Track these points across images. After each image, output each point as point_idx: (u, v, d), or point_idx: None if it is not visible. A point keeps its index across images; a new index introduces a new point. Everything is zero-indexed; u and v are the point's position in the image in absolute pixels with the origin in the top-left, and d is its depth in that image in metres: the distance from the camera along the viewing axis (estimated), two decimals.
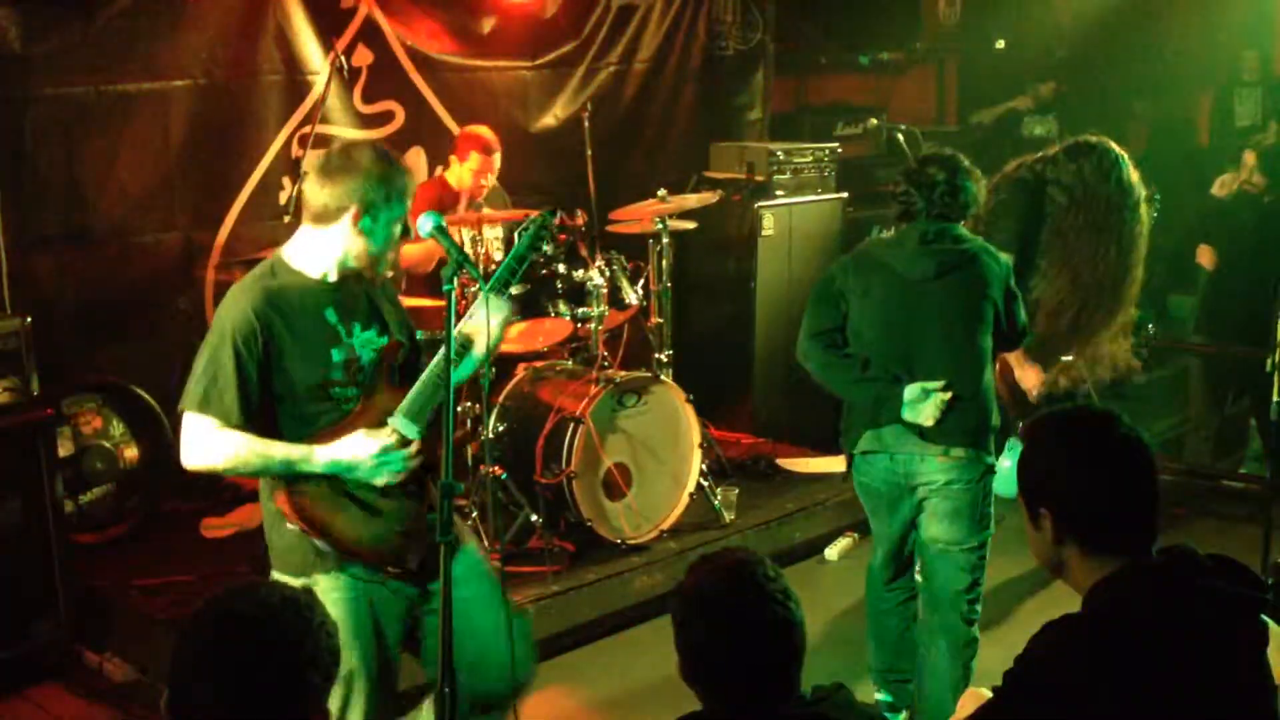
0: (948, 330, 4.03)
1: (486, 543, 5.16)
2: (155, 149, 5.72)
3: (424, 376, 3.24)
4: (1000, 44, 9.04)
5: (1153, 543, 2.19)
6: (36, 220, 5.31)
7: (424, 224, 3.09)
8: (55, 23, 5.21)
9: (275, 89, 6.00)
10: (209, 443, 3.10)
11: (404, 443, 3.19)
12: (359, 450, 3.15)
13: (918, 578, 4.33)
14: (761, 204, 6.88)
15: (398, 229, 3.28)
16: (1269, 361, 5.20)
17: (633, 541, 5.41)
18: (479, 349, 3.35)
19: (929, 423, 3.95)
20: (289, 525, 3.16)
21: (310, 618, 2.02)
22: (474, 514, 5.18)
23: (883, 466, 4.12)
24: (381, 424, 3.20)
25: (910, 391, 3.95)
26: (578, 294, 5.49)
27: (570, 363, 5.84)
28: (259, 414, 3.14)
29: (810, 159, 7.12)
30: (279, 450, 3.13)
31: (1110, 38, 9.09)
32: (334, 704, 3.12)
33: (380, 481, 3.18)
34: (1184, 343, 6.74)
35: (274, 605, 2.02)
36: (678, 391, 5.54)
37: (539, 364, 5.77)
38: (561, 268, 5.48)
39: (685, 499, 5.57)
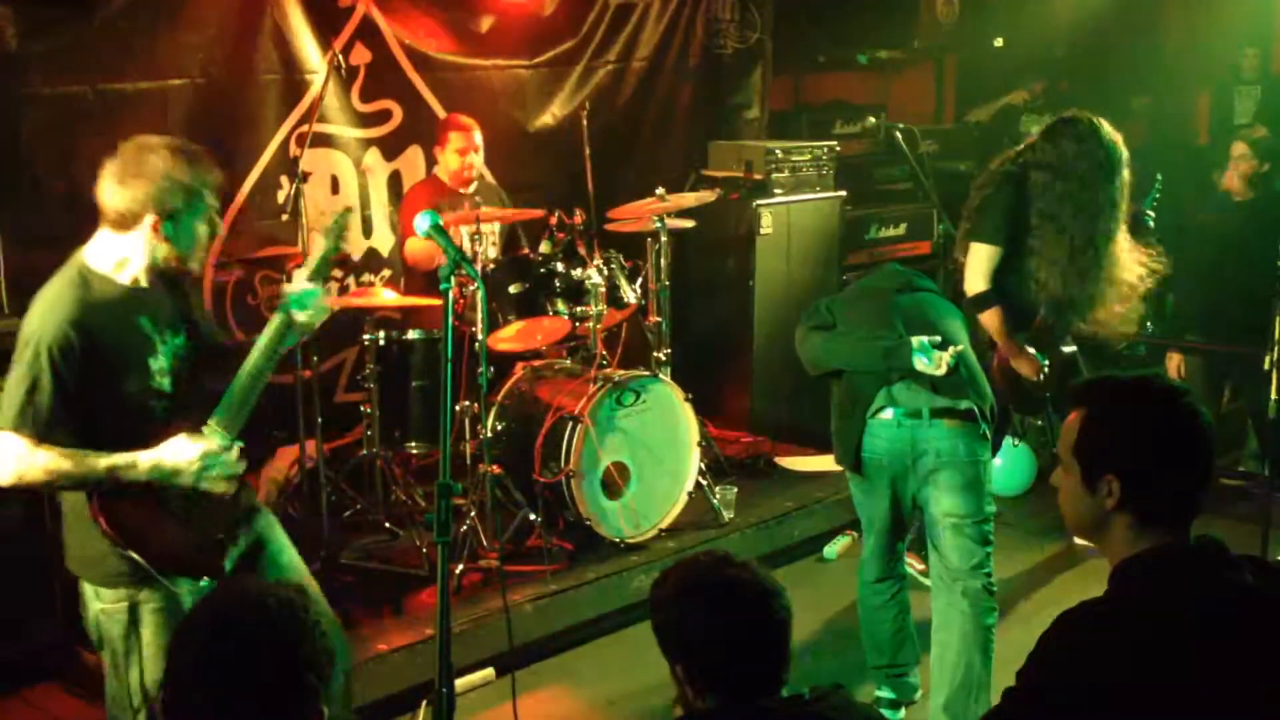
0: (934, 318, 4.24)
1: (486, 541, 5.17)
2: None
3: (236, 379, 3.22)
4: (999, 42, 9.02)
5: (1193, 521, 2.18)
6: (34, 220, 5.29)
7: (421, 223, 3.08)
8: (52, 21, 5.19)
9: (273, 88, 5.98)
10: (27, 460, 2.98)
11: (225, 446, 3.16)
12: (182, 455, 3.09)
13: (912, 569, 4.34)
14: (760, 202, 6.88)
15: (204, 227, 3.23)
16: (1267, 359, 5.20)
17: (631, 540, 5.41)
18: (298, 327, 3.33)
19: (942, 370, 4.00)
20: (101, 537, 3.05)
21: (305, 618, 2.02)
22: (472, 513, 5.18)
23: (889, 431, 4.13)
24: (198, 429, 3.15)
25: (918, 341, 4.03)
26: (576, 292, 5.48)
27: (569, 361, 5.85)
28: (80, 430, 3.02)
29: (808, 157, 7.12)
30: (101, 460, 3.01)
31: (1109, 35, 9.08)
32: None
33: (205, 487, 3.12)
34: (1180, 340, 6.73)
35: (269, 606, 2.02)
36: (676, 390, 5.54)
37: (537, 363, 5.77)
38: (560, 266, 5.47)
39: (684, 498, 5.57)
